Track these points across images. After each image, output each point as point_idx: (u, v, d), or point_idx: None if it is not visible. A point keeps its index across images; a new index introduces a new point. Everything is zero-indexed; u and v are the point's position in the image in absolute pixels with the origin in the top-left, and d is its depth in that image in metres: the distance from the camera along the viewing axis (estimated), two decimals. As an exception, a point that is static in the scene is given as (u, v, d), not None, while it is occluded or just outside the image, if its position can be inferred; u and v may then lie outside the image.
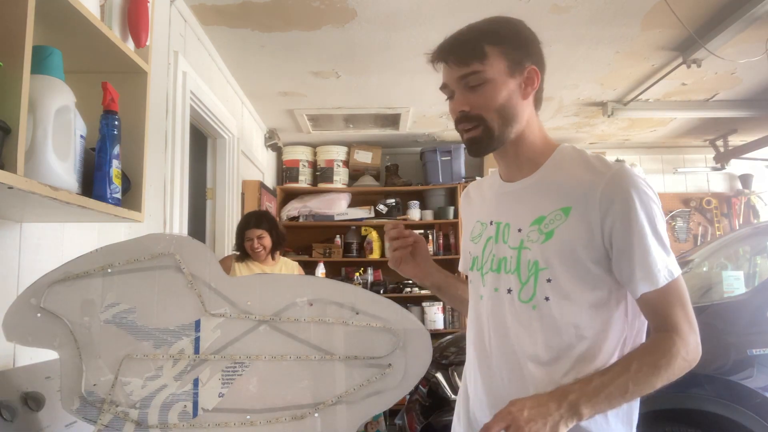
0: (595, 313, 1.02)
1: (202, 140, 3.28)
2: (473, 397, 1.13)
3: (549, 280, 1.02)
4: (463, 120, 1.06)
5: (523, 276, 1.05)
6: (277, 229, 3.04)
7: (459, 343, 2.95)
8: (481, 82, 1.03)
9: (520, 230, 1.07)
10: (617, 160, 5.01)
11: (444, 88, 1.10)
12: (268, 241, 2.97)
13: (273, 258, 3.04)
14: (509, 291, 1.07)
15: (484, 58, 1.04)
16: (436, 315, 4.73)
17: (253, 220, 2.98)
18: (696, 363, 1.00)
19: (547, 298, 1.02)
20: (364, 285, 4.82)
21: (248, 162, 3.89)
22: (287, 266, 3.16)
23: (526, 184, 1.10)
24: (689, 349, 0.98)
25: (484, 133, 1.05)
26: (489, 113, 1.04)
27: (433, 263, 1.27)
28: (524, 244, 1.05)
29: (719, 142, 4.96)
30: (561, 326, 1.02)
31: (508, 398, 0.97)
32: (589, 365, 1.00)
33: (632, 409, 1.06)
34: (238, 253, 3.01)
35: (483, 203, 1.20)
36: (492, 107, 1.04)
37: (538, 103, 1.10)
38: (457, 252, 4.82)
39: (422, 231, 4.89)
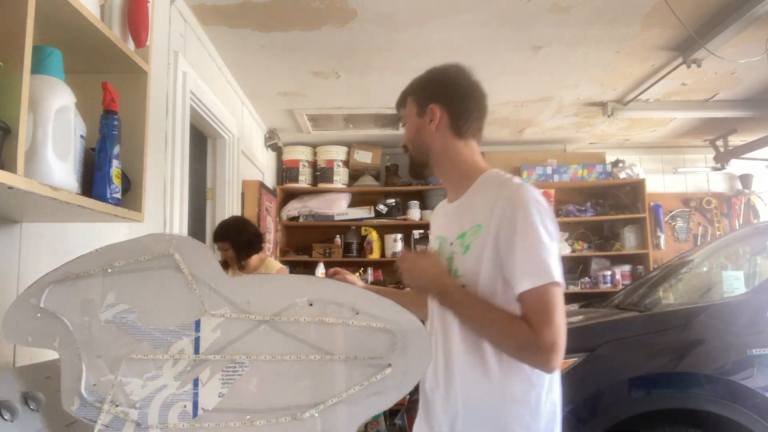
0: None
1: (202, 140, 3.28)
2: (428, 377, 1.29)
3: (463, 286, 1.19)
4: (404, 151, 1.37)
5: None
6: (240, 237, 3.08)
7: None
8: (403, 123, 1.36)
9: (451, 243, 1.26)
10: (617, 160, 5.02)
11: None
12: (231, 252, 3.06)
13: (243, 264, 3.12)
14: None
15: (404, 105, 1.36)
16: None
17: (216, 234, 3.09)
18: (543, 369, 1.12)
19: None
20: (364, 285, 4.82)
21: (248, 162, 3.89)
22: (267, 268, 3.18)
23: (457, 204, 1.30)
24: (538, 356, 1.10)
25: (410, 159, 1.35)
26: (408, 144, 1.34)
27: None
28: (453, 255, 1.24)
29: (719, 142, 4.96)
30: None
31: (442, 378, 1.22)
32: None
33: (556, 412, 1.19)
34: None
35: (436, 221, 1.44)
36: (408, 140, 1.34)
37: (461, 133, 1.29)
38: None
39: (422, 231, 4.90)
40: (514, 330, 1.12)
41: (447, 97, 1.28)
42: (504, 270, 1.14)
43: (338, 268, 1.50)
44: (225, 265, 3.07)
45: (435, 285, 1.20)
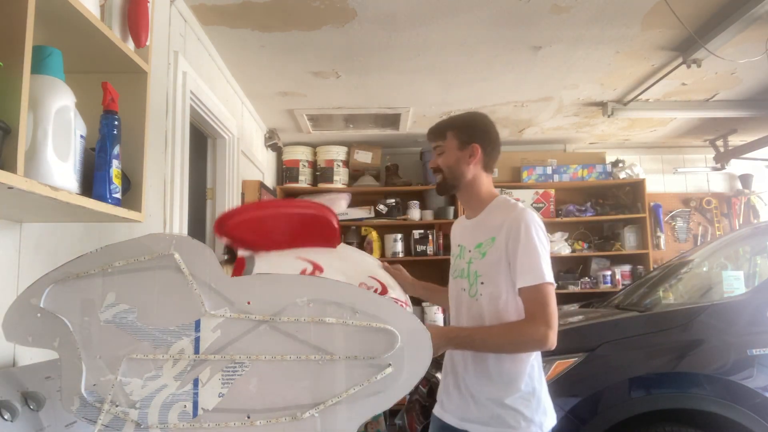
0: (512, 301, 1.55)
1: (202, 140, 3.28)
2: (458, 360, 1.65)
3: (482, 283, 1.59)
4: (434, 172, 1.72)
5: (471, 280, 1.62)
6: None
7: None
8: (441, 151, 1.68)
9: (470, 251, 1.65)
10: (617, 160, 5.02)
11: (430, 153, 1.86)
12: None
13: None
14: (463, 290, 1.65)
15: (444, 137, 1.68)
16: (436, 315, 4.73)
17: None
18: (544, 346, 1.47)
19: (481, 294, 1.59)
20: (364, 285, 4.82)
21: (248, 162, 3.89)
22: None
23: (474, 221, 1.69)
24: (537, 335, 1.46)
25: (442, 180, 1.69)
26: (445, 169, 1.67)
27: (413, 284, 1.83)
28: (471, 260, 1.64)
29: (719, 142, 4.96)
30: (489, 311, 1.57)
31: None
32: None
33: (546, 409, 1.56)
34: (226, 257, 3.04)
35: (456, 233, 1.80)
36: (445, 166, 1.67)
37: (486, 167, 1.68)
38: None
39: (422, 231, 4.90)
40: (515, 330, 1.51)
41: (485, 140, 1.66)
42: (510, 270, 1.53)
43: (399, 266, 1.79)
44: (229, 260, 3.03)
45: (444, 341, 1.52)
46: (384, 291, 1.60)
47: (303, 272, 1.46)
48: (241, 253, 1.48)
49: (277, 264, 1.49)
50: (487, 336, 1.53)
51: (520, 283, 1.50)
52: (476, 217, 1.69)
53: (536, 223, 1.54)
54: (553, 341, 1.46)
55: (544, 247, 1.53)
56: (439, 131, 1.70)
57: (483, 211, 1.67)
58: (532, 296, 1.49)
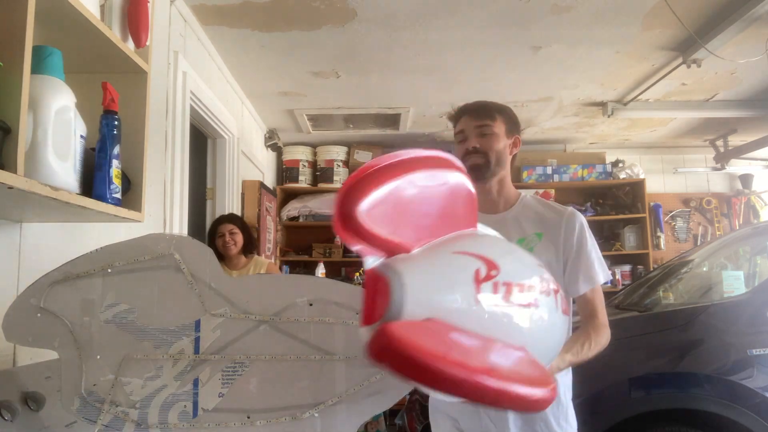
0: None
1: (202, 140, 3.28)
2: None
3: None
4: (472, 153, 1.49)
5: None
6: (249, 231, 3.13)
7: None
8: (489, 132, 1.50)
9: None
10: (617, 160, 5.03)
11: (459, 133, 1.53)
12: (240, 237, 3.05)
13: (246, 256, 3.12)
14: None
15: (494, 119, 1.51)
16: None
17: (225, 217, 3.09)
18: (608, 340, 1.42)
19: None
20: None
21: (248, 162, 3.89)
22: (257, 265, 3.19)
23: (509, 215, 1.54)
24: (606, 339, 1.41)
25: (485, 163, 1.49)
26: (491, 152, 1.49)
27: None
28: None
29: (719, 142, 4.96)
30: None
31: None
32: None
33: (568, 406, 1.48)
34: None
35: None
36: (494, 149, 1.50)
37: (512, 163, 1.58)
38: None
39: (422, 231, 4.89)
40: (597, 342, 1.40)
41: (520, 134, 1.59)
42: (563, 270, 1.46)
43: None
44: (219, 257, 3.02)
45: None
46: (554, 287, 0.96)
47: (477, 276, 0.82)
48: (372, 261, 0.82)
49: (436, 273, 0.82)
50: (577, 358, 1.36)
51: (585, 287, 1.44)
52: (505, 212, 1.55)
53: (586, 223, 1.53)
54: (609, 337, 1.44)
55: (597, 250, 1.51)
56: (488, 111, 1.52)
57: (515, 206, 1.56)
58: (597, 298, 1.46)
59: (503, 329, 0.83)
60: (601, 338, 1.41)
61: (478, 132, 1.50)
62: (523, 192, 1.59)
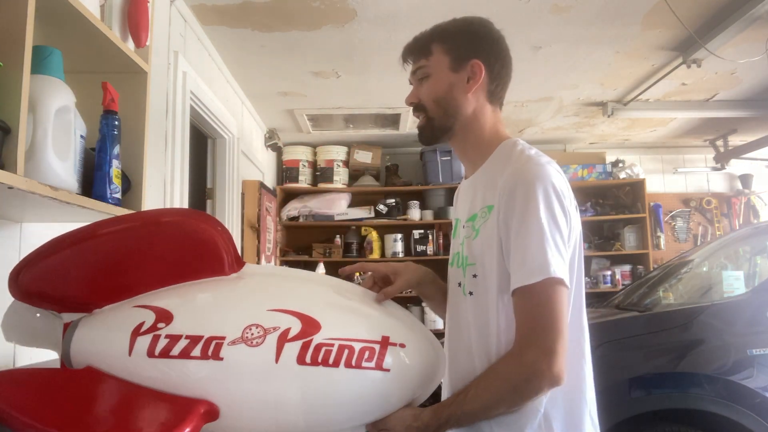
0: (504, 310, 0.99)
1: (202, 140, 3.28)
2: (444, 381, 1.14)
3: (475, 276, 1.03)
4: (414, 110, 1.14)
5: (463, 270, 1.07)
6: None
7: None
8: (424, 75, 1.11)
9: (464, 226, 1.10)
10: (617, 160, 5.02)
11: (410, 84, 1.17)
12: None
13: None
14: (459, 284, 1.08)
15: (429, 54, 1.11)
16: (436, 315, 4.73)
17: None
18: (541, 384, 0.91)
19: (471, 293, 1.04)
20: (364, 285, 4.81)
21: (248, 162, 3.89)
22: None
23: (471, 180, 1.12)
24: (522, 371, 0.91)
25: (426, 122, 1.12)
26: (429, 104, 1.10)
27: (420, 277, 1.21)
28: (464, 240, 1.08)
29: (719, 142, 4.96)
30: (476, 326, 1.03)
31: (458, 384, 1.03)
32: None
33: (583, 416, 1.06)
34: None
35: (457, 201, 1.22)
36: (432, 98, 1.10)
37: (493, 97, 1.12)
38: (457, 252, 4.80)
39: (422, 231, 4.90)
40: (498, 376, 0.95)
41: (490, 54, 1.09)
42: (505, 261, 0.97)
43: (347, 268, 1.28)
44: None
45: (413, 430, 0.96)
46: (307, 329, 0.94)
47: (138, 328, 0.93)
48: (68, 317, 1.00)
49: (102, 326, 0.97)
50: (469, 402, 0.95)
51: (512, 283, 0.95)
52: (473, 174, 1.11)
53: (547, 182, 0.97)
54: (554, 373, 0.90)
55: (555, 223, 0.95)
56: (420, 46, 1.12)
57: (483, 164, 1.09)
58: (523, 304, 0.94)
59: (164, 379, 0.90)
60: (500, 371, 0.94)
61: (416, 80, 1.14)
62: (510, 138, 1.11)
